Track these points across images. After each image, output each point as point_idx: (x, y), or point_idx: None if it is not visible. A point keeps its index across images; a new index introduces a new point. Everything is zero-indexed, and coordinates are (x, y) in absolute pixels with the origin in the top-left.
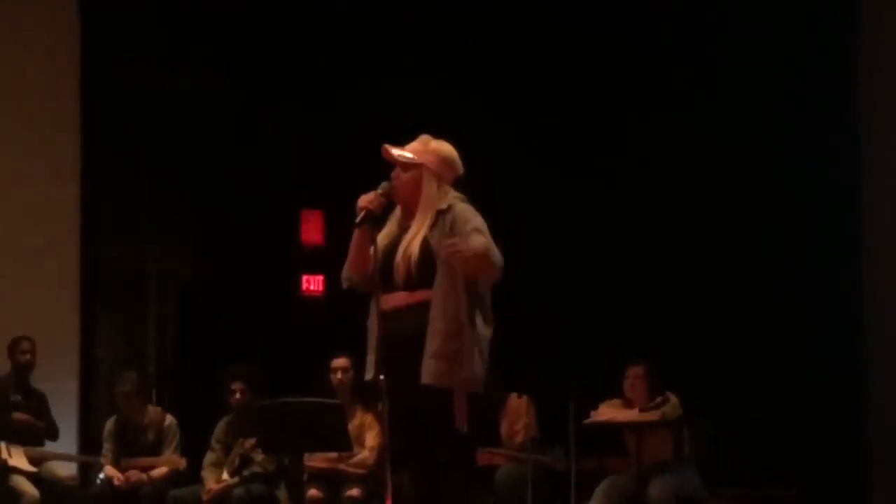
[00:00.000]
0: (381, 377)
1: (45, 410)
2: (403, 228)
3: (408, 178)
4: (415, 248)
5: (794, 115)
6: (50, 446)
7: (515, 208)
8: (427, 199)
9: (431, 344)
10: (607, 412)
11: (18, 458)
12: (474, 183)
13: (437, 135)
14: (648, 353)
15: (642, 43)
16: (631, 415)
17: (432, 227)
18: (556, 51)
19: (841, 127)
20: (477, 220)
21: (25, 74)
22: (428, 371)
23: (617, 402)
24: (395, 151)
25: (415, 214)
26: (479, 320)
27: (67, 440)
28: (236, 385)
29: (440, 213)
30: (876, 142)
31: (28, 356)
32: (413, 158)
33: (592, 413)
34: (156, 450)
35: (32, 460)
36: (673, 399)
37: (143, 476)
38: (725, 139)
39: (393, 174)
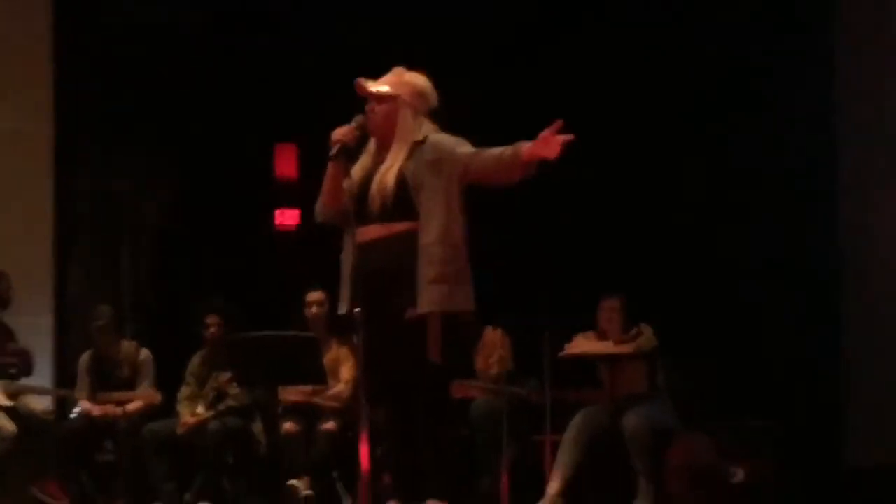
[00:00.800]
0: (356, 309)
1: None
2: (378, 161)
3: (383, 110)
4: (390, 179)
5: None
6: (25, 379)
7: (492, 141)
8: (403, 131)
9: (430, 270)
10: (582, 344)
11: None
12: (450, 119)
13: (413, 68)
14: (623, 286)
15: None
16: (605, 347)
17: (408, 158)
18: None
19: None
20: (456, 138)
21: None
22: (429, 298)
23: (591, 334)
24: (370, 85)
25: (390, 147)
26: (466, 239)
27: (42, 375)
28: (211, 319)
29: (416, 145)
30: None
31: (10, 291)
32: (388, 91)
33: (567, 345)
34: (131, 384)
35: (8, 394)
36: (647, 331)
37: (119, 410)
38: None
39: (368, 107)
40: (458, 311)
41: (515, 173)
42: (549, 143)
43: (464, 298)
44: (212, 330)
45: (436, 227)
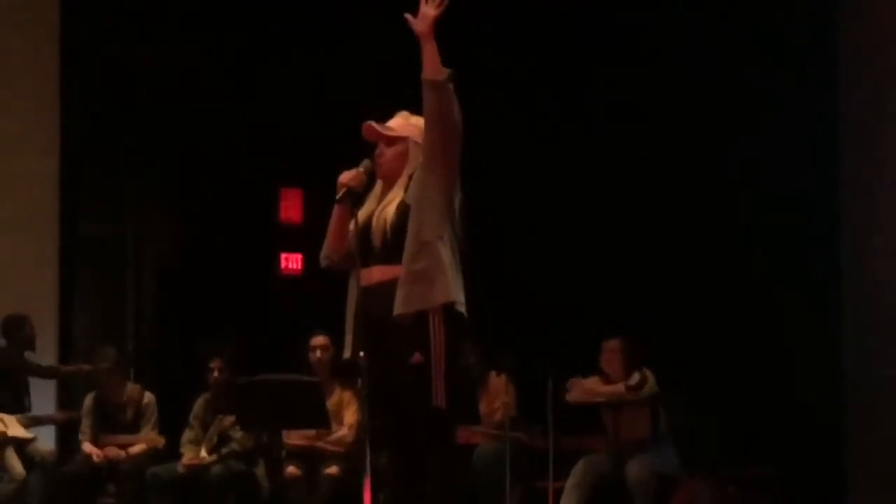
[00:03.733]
0: (360, 354)
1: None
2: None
3: (394, 153)
4: (391, 211)
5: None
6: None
7: (493, 184)
8: (412, 170)
9: (400, 275)
10: (583, 385)
11: (15, 427)
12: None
13: (417, 113)
14: (625, 331)
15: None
16: (608, 389)
17: (406, 190)
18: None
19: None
20: None
21: (5, 48)
22: (398, 302)
23: (594, 379)
24: (380, 128)
25: None
26: (447, 237)
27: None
28: (215, 363)
29: (411, 176)
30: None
31: (33, 331)
32: (398, 132)
33: (568, 384)
34: (134, 427)
35: (25, 426)
36: (649, 376)
37: (122, 453)
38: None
39: (377, 152)
40: (428, 307)
41: (439, 92)
42: (419, 17)
43: (439, 293)
44: (215, 374)
45: (410, 228)
